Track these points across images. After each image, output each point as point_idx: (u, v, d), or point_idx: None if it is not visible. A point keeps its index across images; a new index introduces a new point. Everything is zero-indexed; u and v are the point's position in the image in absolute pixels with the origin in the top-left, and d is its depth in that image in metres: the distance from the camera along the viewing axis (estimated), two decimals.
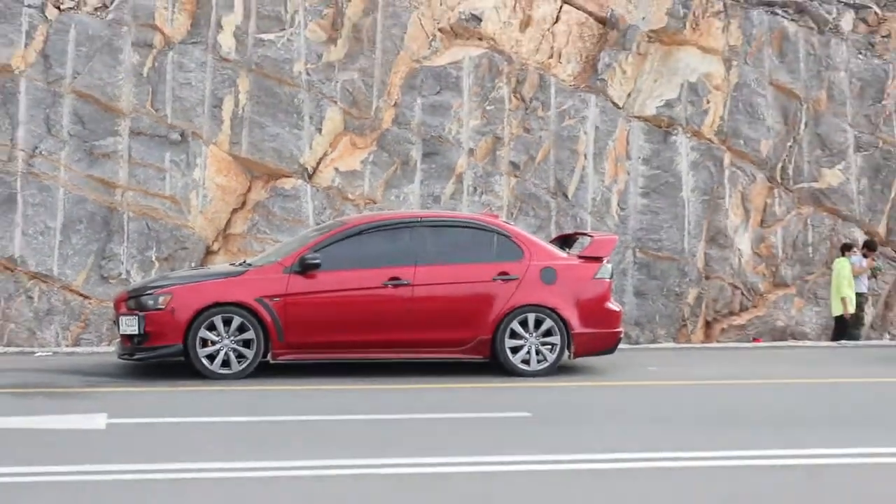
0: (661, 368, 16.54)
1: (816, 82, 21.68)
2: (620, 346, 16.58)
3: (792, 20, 21.79)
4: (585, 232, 17.79)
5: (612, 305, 15.96)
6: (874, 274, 21.12)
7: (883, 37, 22.05)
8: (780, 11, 21.76)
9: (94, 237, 19.20)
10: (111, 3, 19.95)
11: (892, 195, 21.72)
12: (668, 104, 21.11)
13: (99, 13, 19.89)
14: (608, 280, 15.96)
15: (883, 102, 21.84)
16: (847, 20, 21.95)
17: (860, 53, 21.90)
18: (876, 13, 22.12)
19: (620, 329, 16.22)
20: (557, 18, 21.11)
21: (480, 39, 20.75)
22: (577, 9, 21.19)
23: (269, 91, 19.95)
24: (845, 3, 22.07)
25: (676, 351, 19.20)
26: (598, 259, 15.86)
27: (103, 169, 19.38)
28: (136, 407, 12.78)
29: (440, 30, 20.66)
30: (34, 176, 19.23)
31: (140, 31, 19.79)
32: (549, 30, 21.03)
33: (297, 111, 19.97)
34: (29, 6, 19.77)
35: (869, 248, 21.07)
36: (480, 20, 20.66)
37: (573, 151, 20.67)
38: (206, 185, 19.60)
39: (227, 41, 19.97)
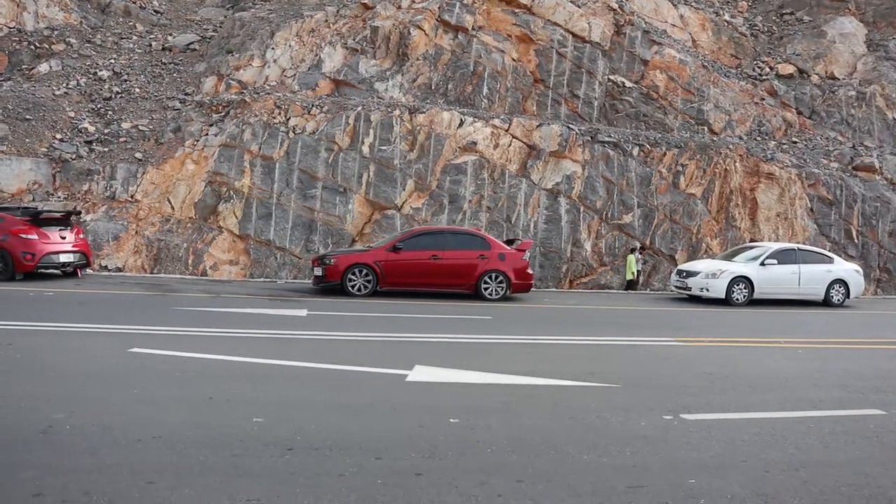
0: (550, 300, 16.56)
1: (621, 176, 21.47)
2: (533, 289, 16.56)
3: (610, 149, 21.66)
4: (518, 238, 17.86)
5: (530, 271, 16.15)
6: (645, 262, 21.18)
7: (650, 157, 21.93)
8: (606, 145, 21.61)
9: (305, 232, 19.40)
10: (317, 131, 20.02)
11: (652, 228, 21.54)
12: (557, 184, 20.97)
13: (310, 136, 19.96)
14: (527, 260, 16.18)
15: (650, 186, 21.64)
16: (636, 150, 21.80)
17: (640, 165, 21.75)
18: (648, 147, 21.99)
19: (532, 282, 16.51)
20: (510, 144, 20.94)
21: (475, 152, 20.65)
22: (518, 140, 21.04)
23: (382, 172, 20.06)
24: (633, 143, 21.94)
25: (557, 293, 19.07)
26: (524, 250, 16.14)
27: (310, 203, 19.51)
28: (320, 306, 13.09)
29: (459, 147, 20.62)
30: (280, 205, 19.33)
31: (328, 143, 19.86)
32: (506, 149, 20.89)
33: (394, 181, 20.08)
34: (281, 131, 19.84)
35: (642, 249, 20.86)
36: (476, 143, 20.65)
37: (514, 203, 20.61)
38: (353, 212, 19.74)
39: (365, 149, 20.03)
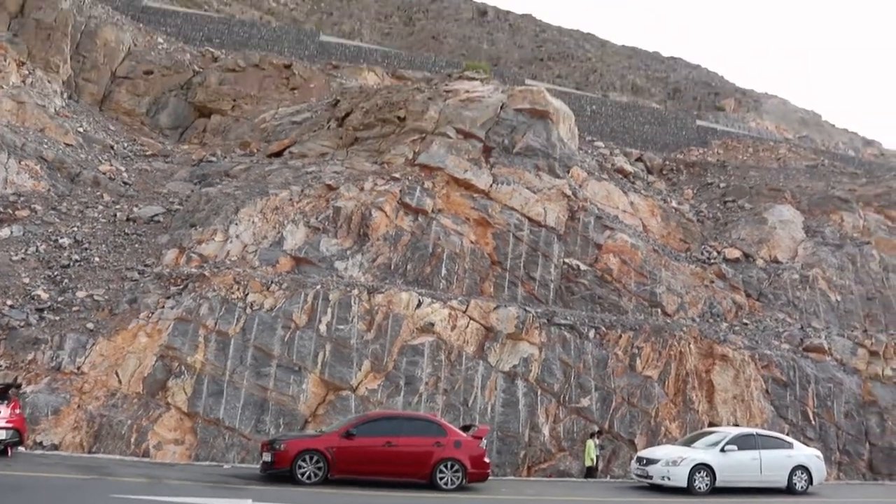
0: (507, 489, 16.16)
1: (578, 359, 21.52)
2: (490, 477, 16.01)
3: (567, 331, 21.85)
4: (475, 424, 17.57)
5: (486, 459, 15.74)
6: (603, 447, 20.65)
7: (606, 340, 22.13)
8: (563, 328, 21.81)
9: (256, 412, 18.73)
10: (275, 308, 19.93)
11: (610, 411, 21.32)
12: (514, 367, 20.87)
13: (268, 313, 19.84)
14: (484, 447, 15.80)
15: (607, 369, 21.70)
16: (591, 332, 22.02)
17: (597, 347, 21.89)
18: (604, 329, 22.29)
19: (489, 470, 16.01)
20: (467, 326, 21.02)
21: (433, 334, 20.62)
22: (476, 322, 21.12)
23: (338, 352, 19.82)
24: (589, 325, 22.19)
25: (515, 481, 18.55)
26: (480, 437, 15.87)
27: (263, 381, 19.01)
28: (267, 495, 12.69)
29: (416, 328, 20.62)
30: (232, 382, 18.75)
31: (285, 321, 19.70)
32: (464, 330, 20.95)
33: (350, 361, 19.83)
34: (239, 307, 19.66)
35: (600, 434, 20.23)
36: (433, 325, 20.71)
37: (471, 385, 20.31)
38: (307, 392, 19.26)
39: (323, 328, 19.88)
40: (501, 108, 27.06)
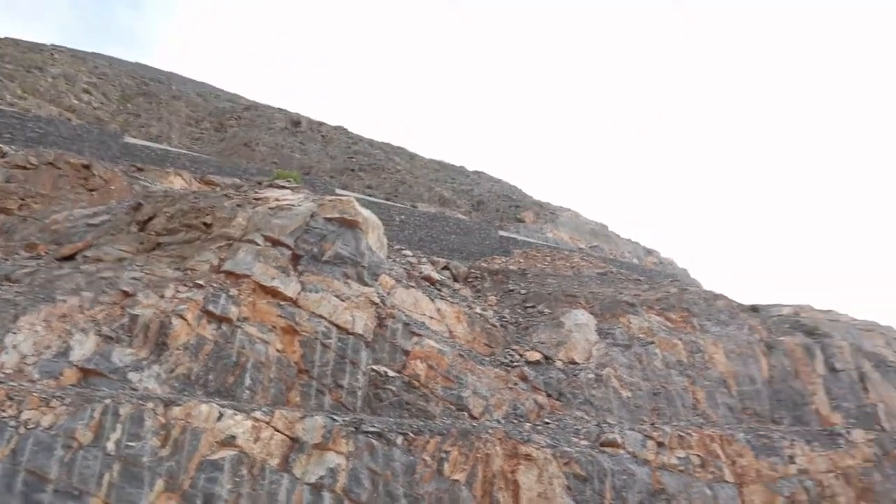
0: None
1: (386, 467, 20.88)
2: None
3: (374, 439, 21.32)
4: None
5: None
6: None
7: (414, 445, 21.83)
8: (370, 435, 21.21)
9: None
10: (54, 425, 17.91)
11: None
12: (320, 478, 19.68)
13: (45, 431, 17.78)
14: None
15: (416, 475, 21.22)
16: (399, 439, 21.62)
17: (405, 454, 21.36)
18: (412, 435, 22.16)
19: None
20: (272, 438, 19.76)
21: (235, 447, 19.16)
22: (280, 433, 19.95)
23: (127, 471, 17.89)
24: (397, 432, 21.85)
25: None
26: None
27: None
28: None
29: (217, 441, 19.11)
30: None
31: (66, 440, 17.62)
32: (268, 442, 19.60)
33: (141, 480, 17.85)
34: (10, 426, 17.53)
35: None
36: (235, 437, 19.38)
37: (275, 500, 18.91)
38: None
39: (110, 446, 17.82)
40: (311, 216, 27.31)
